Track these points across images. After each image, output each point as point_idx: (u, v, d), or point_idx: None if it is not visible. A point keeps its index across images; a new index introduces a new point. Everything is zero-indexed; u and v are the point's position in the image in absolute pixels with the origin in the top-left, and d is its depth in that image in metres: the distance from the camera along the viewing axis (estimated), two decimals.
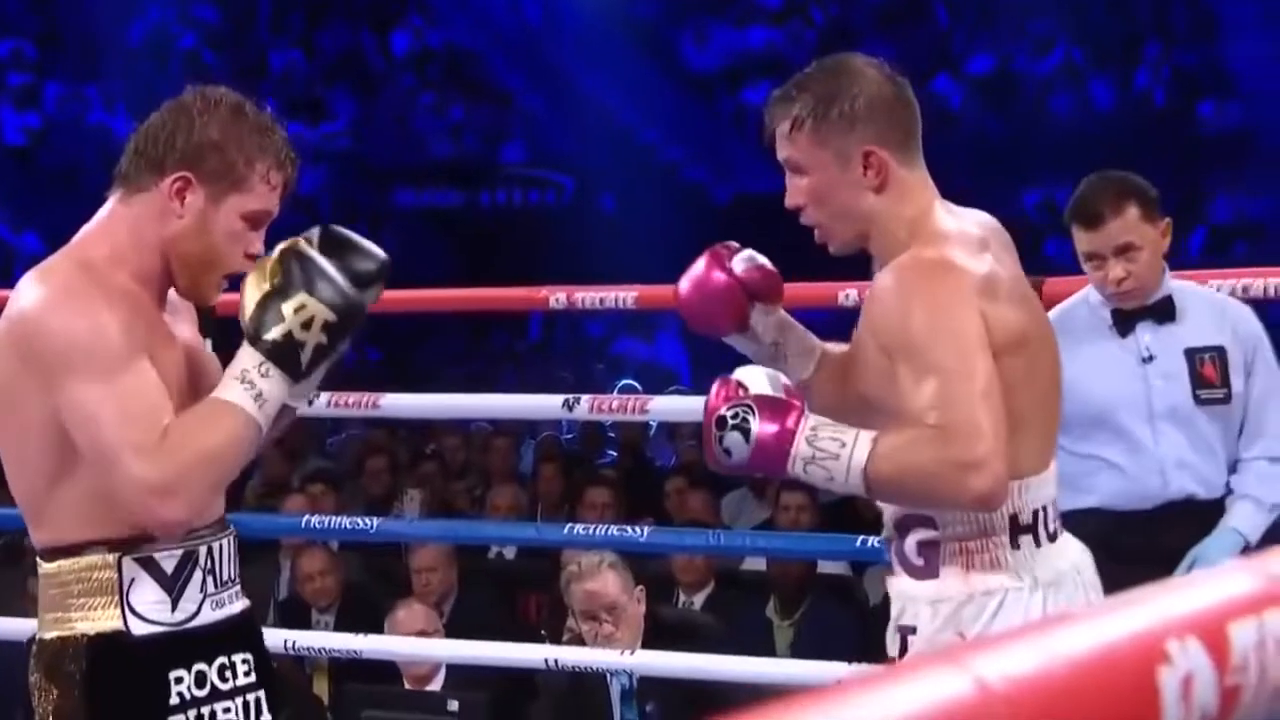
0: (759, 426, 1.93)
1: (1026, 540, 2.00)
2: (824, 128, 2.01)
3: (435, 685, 4.15)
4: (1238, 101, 14.14)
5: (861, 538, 3.44)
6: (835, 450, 1.91)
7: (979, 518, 1.98)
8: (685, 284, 2.23)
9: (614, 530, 3.48)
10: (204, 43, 15.01)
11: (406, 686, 4.16)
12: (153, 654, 1.93)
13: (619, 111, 15.10)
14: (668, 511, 5.81)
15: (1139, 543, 2.73)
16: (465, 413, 5.30)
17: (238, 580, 2.02)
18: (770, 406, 1.96)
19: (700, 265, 2.21)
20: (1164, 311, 2.88)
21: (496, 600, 5.24)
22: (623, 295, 3.33)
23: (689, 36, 15.70)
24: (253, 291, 1.90)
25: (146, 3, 14.84)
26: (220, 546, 1.99)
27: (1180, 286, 2.92)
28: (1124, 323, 2.88)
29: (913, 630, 2.03)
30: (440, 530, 4.77)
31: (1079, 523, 2.53)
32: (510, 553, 5.77)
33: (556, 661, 3.48)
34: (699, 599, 4.82)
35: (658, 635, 3.71)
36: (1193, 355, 2.85)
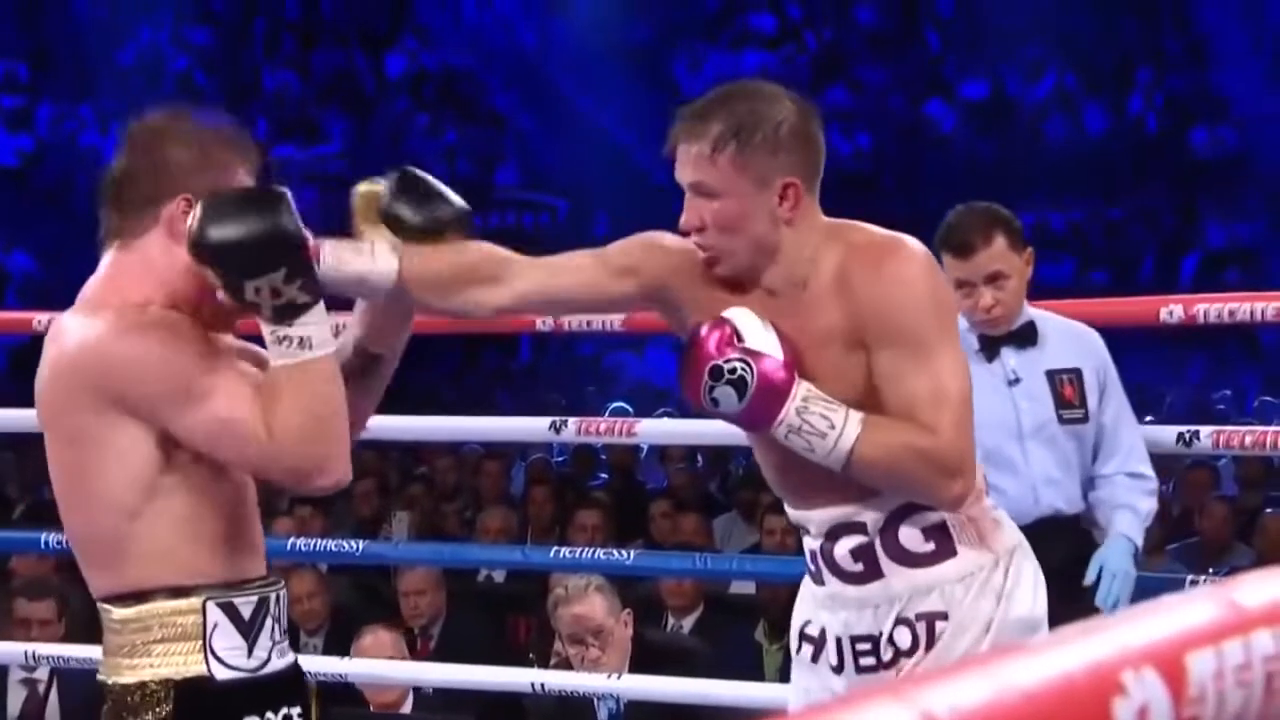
0: (755, 386, 1.90)
1: (989, 497, 2.09)
2: (747, 152, 1.97)
3: (405, 710, 4.14)
4: (1230, 127, 14.18)
5: None
6: (823, 429, 1.91)
7: (972, 486, 2.02)
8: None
9: (600, 553, 3.47)
10: (197, 64, 15.02)
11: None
12: (233, 700, 1.93)
13: (613, 134, 15.13)
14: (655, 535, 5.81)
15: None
16: (452, 435, 5.28)
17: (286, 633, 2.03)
18: (768, 367, 1.92)
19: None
20: (1026, 336, 2.98)
21: (486, 623, 5.22)
22: (610, 318, 3.33)
23: (683, 60, 15.74)
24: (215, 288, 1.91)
25: (139, 24, 14.86)
26: (280, 596, 2.00)
27: (1037, 313, 3.04)
28: (990, 348, 2.97)
29: (943, 615, 2.03)
30: (426, 553, 4.76)
31: None
32: (500, 575, 5.75)
33: (543, 685, 3.46)
34: (688, 622, 4.81)
35: (645, 659, 3.70)
36: (1053, 377, 2.96)
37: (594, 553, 3.45)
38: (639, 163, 15.14)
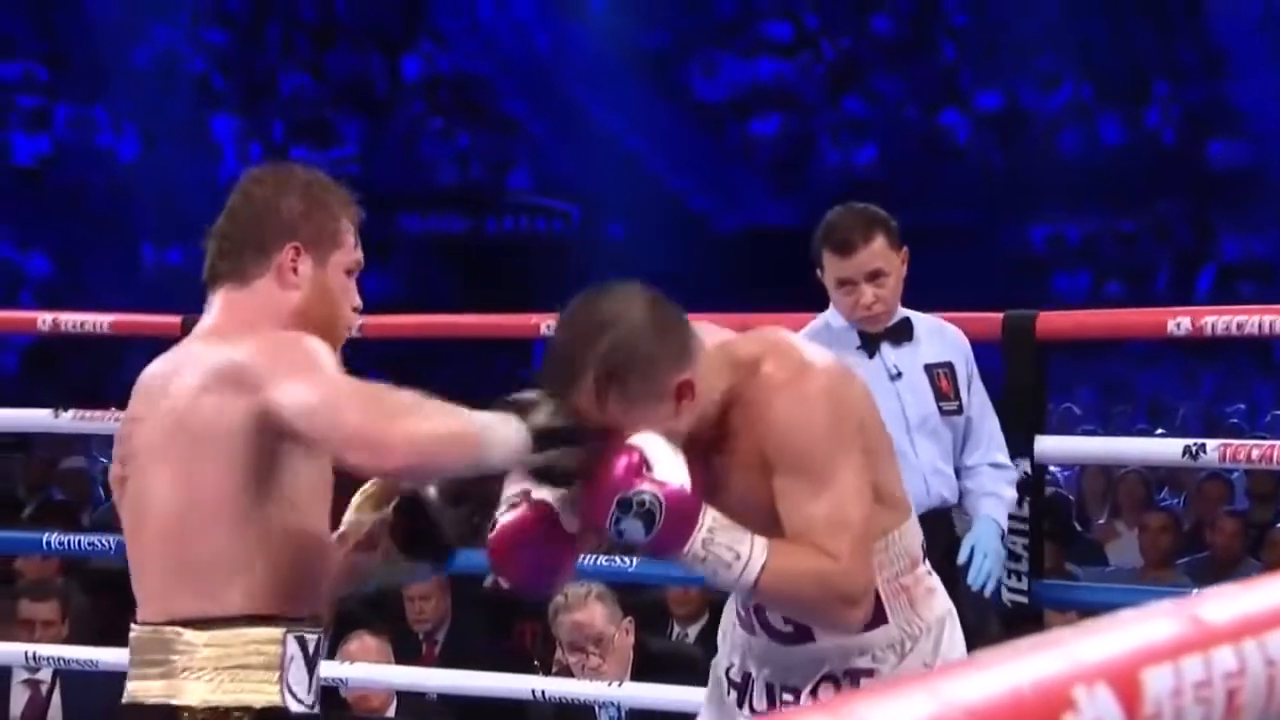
0: (662, 520, 1.89)
1: (926, 562, 2.12)
2: (630, 391, 1.92)
3: (389, 714, 4.14)
4: (1247, 140, 14.14)
5: None
6: (729, 559, 1.92)
7: (908, 552, 2.07)
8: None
9: (603, 560, 3.45)
10: (213, 65, 15.05)
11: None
12: None
13: (626, 140, 15.13)
14: None
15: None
16: None
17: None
18: (676, 500, 1.90)
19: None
20: (903, 332, 3.08)
21: (491, 629, 5.20)
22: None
23: (697, 67, 15.74)
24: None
25: (155, 25, 14.89)
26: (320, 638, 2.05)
27: (909, 312, 3.14)
28: (870, 344, 3.06)
29: (868, 673, 2.05)
30: None
31: None
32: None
33: (544, 693, 3.45)
34: (693, 631, 4.79)
35: (646, 667, 3.68)
36: (930, 371, 3.06)
37: (597, 559, 3.43)
38: (651, 169, 15.14)
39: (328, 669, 3.80)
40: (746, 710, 2.13)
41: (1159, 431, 7.92)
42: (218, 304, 2.01)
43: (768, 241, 13.92)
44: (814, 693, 2.09)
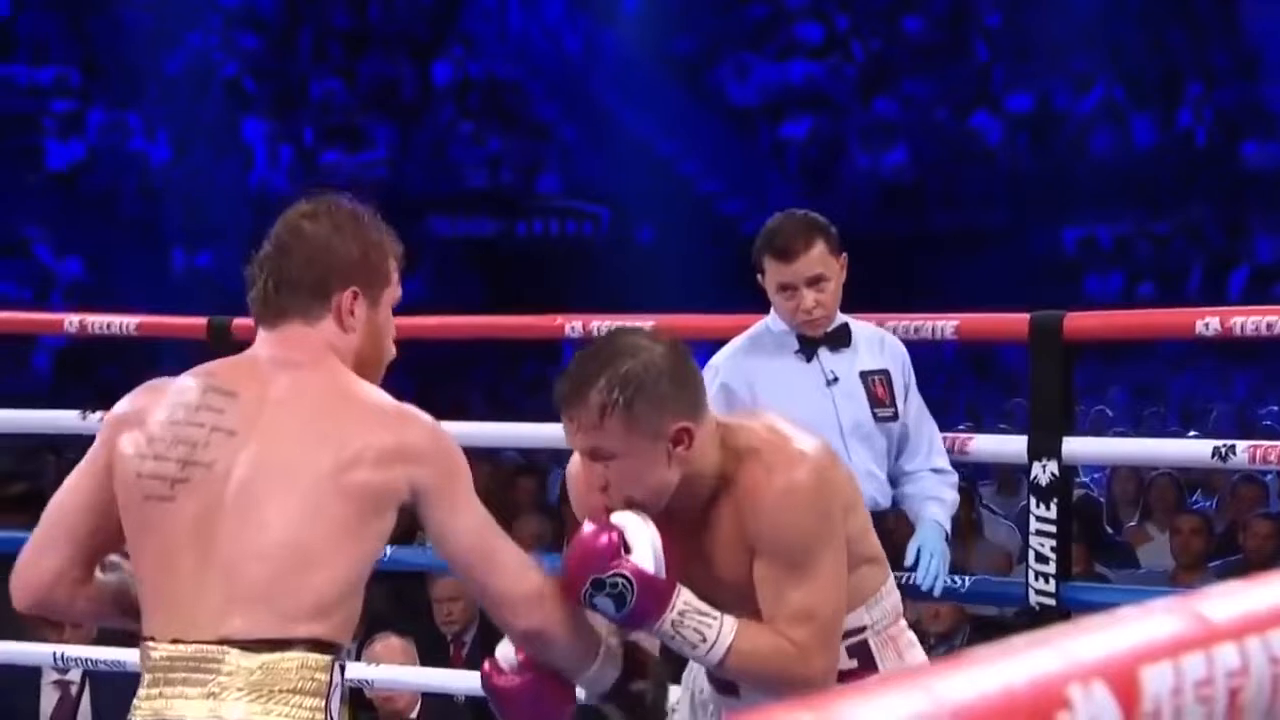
0: (633, 604, 2.00)
1: (904, 623, 2.25)
2: (634, 411, 2.01)
3: (411, 716, 4.14)
4: None
5: None
6: (695, 641, 2.03)
7: (894, 607, 2.20)
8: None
9: None
10: (245, 70, 15.11)
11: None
12: None
13: (656, 143, 15.12)
14: None
15: None
16: (488, 441, 5.28)
17: None
18: (648, 588, 2.00)
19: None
20: (841, 338, 3.13)
21: None
22: (639, 325, 3.31)
23: (729, 70, 15.72)
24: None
25: (188, 31, 14.95)
26: None
27: (847, 318, 3.18)
28: (808, 349, 3.12)
29: None
30: None
31: None
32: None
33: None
34: None
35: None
36: (866, 377, 3.12)
37: None
38: (681, 172, 15.13)
39: (352, 670, 3.81)
40: None
41: (1191, 433, 7.87)
42: (291, 337, 2.00)
43: None
44: None
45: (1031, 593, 3.12)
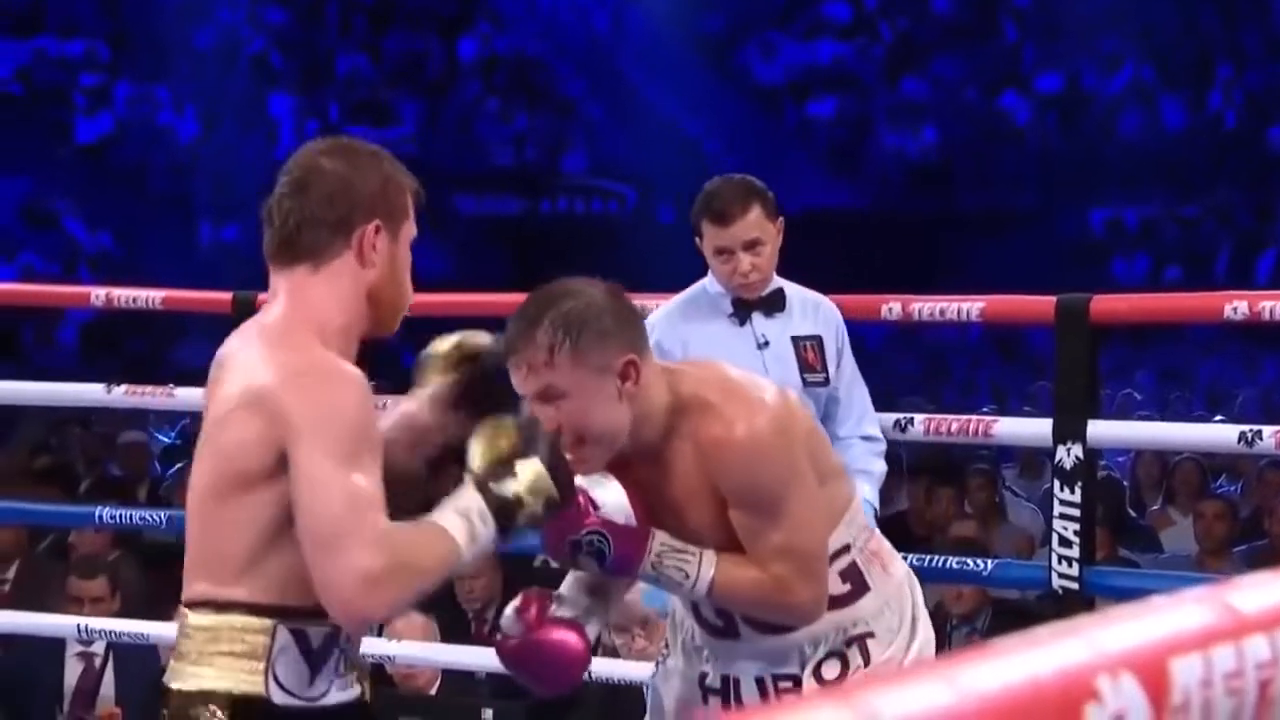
0: (612, 555, 2.09)
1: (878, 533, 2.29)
2: (581, 346, 2.05)
3: (431, 692, 4.16)
4: None
5: (901, 555, 3.39)
6: (679, 579, 2.11)
7: (863, 518, 2.25)
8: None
9: None
10: (272, 45, 15.12)
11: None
12: None
13: (682, 123, 15.08)
14: None
15: None
16: None
17: (358, 667, 2.04)
18: (622, 537, 2.10)
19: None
20: (775, 303, 3.18)
21: None
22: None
23: (755, 50, 15.66)
24: (490, 443, 1.98)
25: (215, 5, 14.97)
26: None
27: (784, 283, 3.22)
28: (741, 312, 3.16)
29: (870, 634, 2.20)
30: None
31: None
32: (555, 561, 5.74)
33: (591, 674, 3.44)
34: None
35: None
36: (798, 342, 3.17)
37: None
38: (708, 152, 15.08)
39: (373, 646, 3.82)
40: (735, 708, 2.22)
41: (1217, 418, 7.83)
42: (287, 287, 1.97)
43: (825, 225, 13.85)
44: (817, 671, 2.19)
45: (1054, 576, 3.11)
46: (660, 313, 3.17)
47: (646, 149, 14.34)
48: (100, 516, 3.85)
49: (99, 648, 4.33)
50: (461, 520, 1.91)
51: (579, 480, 2.08)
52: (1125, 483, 6.48)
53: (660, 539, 2.11)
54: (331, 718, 1.97)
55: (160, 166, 14.22)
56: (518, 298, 4.65)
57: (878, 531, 2.30)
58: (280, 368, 1.90)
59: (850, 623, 2.19)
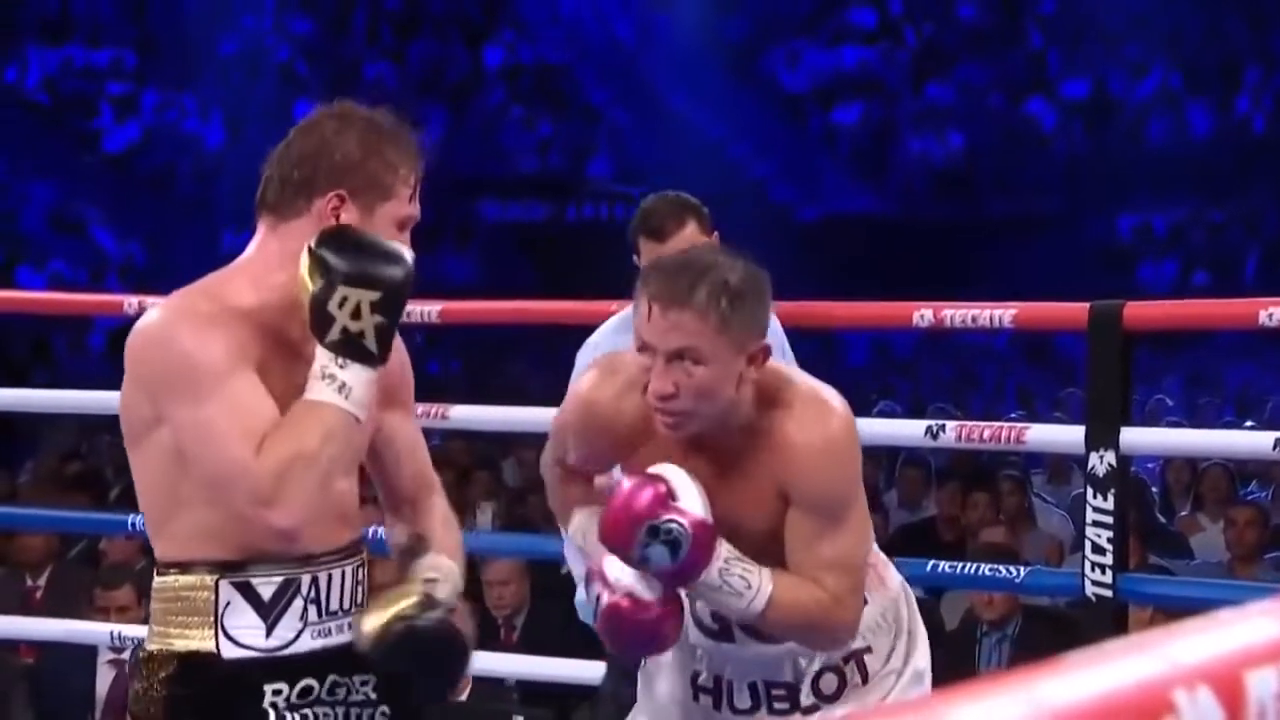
0: (689, 547, 1.96)
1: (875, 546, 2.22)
2: (735, 318, 1.98)
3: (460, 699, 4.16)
4: None
5: (933, 562, 3.38)
6: (740, 589, 2.02)
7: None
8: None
9: None
10: (297, 53, 15.18)
11: None
12: (243, 676, 1.93)
13: (707, 128, 15.09)
14: None
15: None
16: (538, 426, 5.28)
17: (355, 610, 1.97)
18: (701, 533, 1.98)
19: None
20: None
21: (569, 615, 5.20)
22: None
23: (781, 56, 15.66)
24: (302, 294, 1.90)
25: (242, 13, 15.03)
26: (331, 576, 1.96)
27: None
28: None
29: (867, 650, 2.16)
30: (507, 544, 4.76)
31: None
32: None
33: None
34: None
35: None
36: None
37: None
38: (732, 157, 15.09)
39: None
40: (727, 711, 2.18)
41: (1248, 424, 7.79)
42: (255, 239, 1.98)
43: (850, 230, 13.84)
44: (815, 685, 2.16)
45: (1088, 583, 3.10)
46: (601, 332, 3.21)
47: (671, 155, 14.34)
48: (132, 524, 3.85)
49: (130, 654, 4.35)
50: (322, 380, 1.87)
51: (659, 469, 1.99)
52: (1154, 488, 6.45)
53: (726, 547, 2.01)
54: (298, 666, 1.94)
55: (186, 173, 14.28)
56: (538, 305, 4.65)
57: (875, 546, 2.23)
58: (140, 330, 1.92)
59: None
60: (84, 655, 4.36)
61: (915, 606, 2.26)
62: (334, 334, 1.86)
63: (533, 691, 4.27)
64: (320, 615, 1.95)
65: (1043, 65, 15.11)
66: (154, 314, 1.93)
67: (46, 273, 12.98)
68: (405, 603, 1.95)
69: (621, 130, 15.35)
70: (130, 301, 3.67)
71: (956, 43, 15.39)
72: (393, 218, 1.93)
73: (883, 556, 2.23)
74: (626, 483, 1.99)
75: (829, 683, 2.15)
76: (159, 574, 1.96)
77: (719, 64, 15.41)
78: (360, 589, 1.99)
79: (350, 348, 1.87)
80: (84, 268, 13.43)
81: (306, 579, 1.93)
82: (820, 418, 2.04)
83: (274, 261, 1.93)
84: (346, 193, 1.91)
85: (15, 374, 9.31)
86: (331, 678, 1.96)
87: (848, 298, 3.89)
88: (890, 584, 2.20)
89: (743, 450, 2.05)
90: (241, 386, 1.86)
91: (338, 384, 1.86)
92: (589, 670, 3.68)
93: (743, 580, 2.00)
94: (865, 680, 2.16)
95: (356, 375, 1.87)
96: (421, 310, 3.57)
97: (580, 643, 4.86)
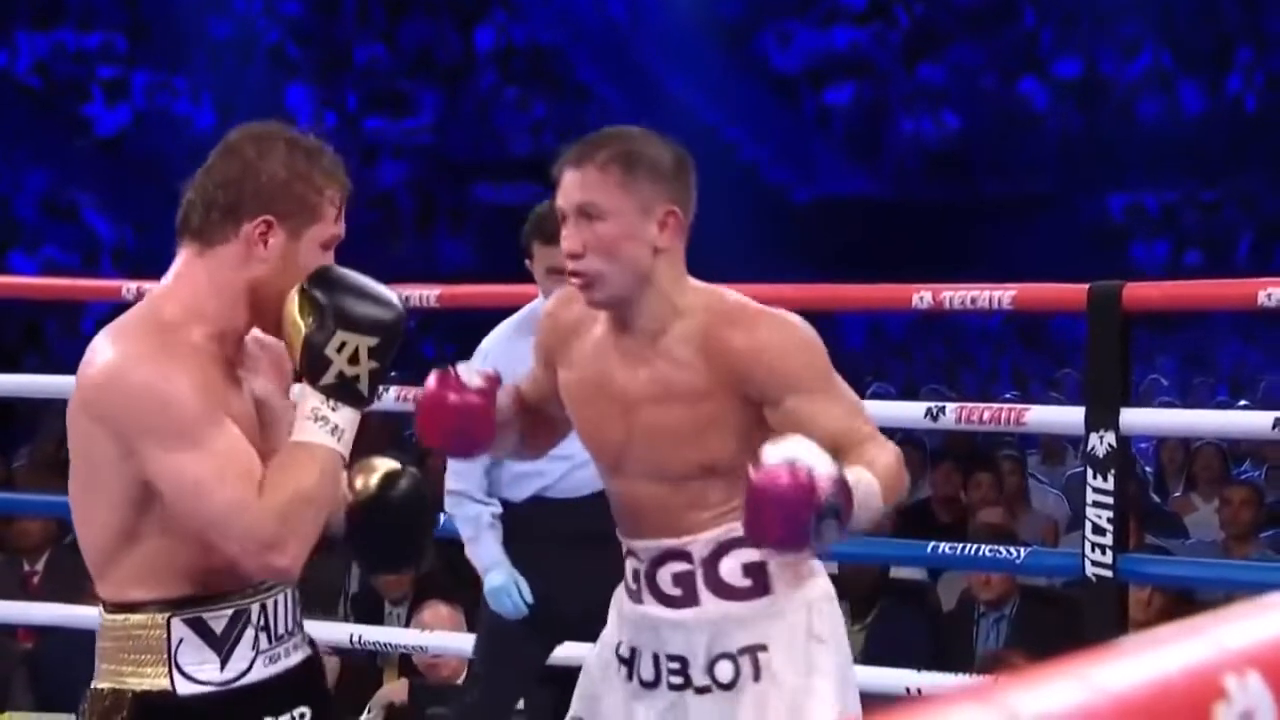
0: (845, 513, 1.93)
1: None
2: (634, 176, 2.07)
3: (457, 682, 4.17)
4: None
5: (934, 544, 3.39)
6: (873, 504, 1.98)
7: None
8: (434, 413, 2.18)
9: None
10: (288, 36, 15.13)
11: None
12: (201, 713, 1.94)
13: (701, 110, 15.07)
14: None
15: (576, 525, 3.15)
16: None
17: (298, 630, 2.01)
18: (844, 489, 1.93)
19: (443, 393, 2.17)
20: None
21: None
22: None
23: (772, 37, 15.64)
24: (294, 335, 1.91)
25: None
26: (276, 602, 1.98)
27: None
28: None
29: (762, 648, 2.11)
30: None
31: (526, 510, 3.24)
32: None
33: None
34: None
35: None
36: None
37: None
38: (726, 139, 15.08)
39: (403, 637, 3.83)
40: (635, 683, 2.18)
41: (1241, 403, 7.81)
42: (175, 266, 1.95)
43: (844, 212, 13.84)
44: (711, 671, 2.13)
45: (1088, 564, 3.11)
46: (494, 336, 3.24)
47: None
48: None
49: None
50: (314, 423, 1.88)
51: (781, 451, 1.94)
52: (1148, 469, 6.47)
53: (843, 471, 1.94)
54: (252, 697, 1.95)
55: (178, 157, 14.25)
56: (534, 288, 4.64)
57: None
58: (105, 370, 1.87)
59: (738, 620, 2.12)
60: (83, 640, 4.35)
61: (839, 619, 2.20)
62: (329, 378, 1.88)
63: (531, 675, 4.27)
64: (270, 641, 1.97)
65: (1035, 45, 15.11)
66: (108, 351, 1.88)
67: (39, 257, 12.96)
68: (387, 467, 2.05)
69: (614, 111, 15.32)
70: (129, 287, 3.66)
71: (949, 23, 15.38)
72: (319, 239, 1.93)
73: (813, 564, 2.17)
74: (768, 481, 1.91)
75: (724, 670, 2.12)
76: (107, 613, 1.95)
77: (711, 45, 15.39)
78: (297, 608, 2.02)
79: (344, 391, 1.89)
80: (77, 252, 13.40)
81: (256, 608, 1.96)
82: (768, 317, 2.08)
83: (204, 290, 1.91)
84: (274, 218, 1.90)
85: (7, 358, 9.30)
86: (286, 717, 1.98)
87: (842, 279, 3.89)
88: (807, 588, 2.15)
89: (675, 350, 2.08)
90: (223, 428, 1.86)
91: (330, 426, 1.88)
92: (582, 652, 3.68)
93: (869, 493, 1.96)
94: (756, 678, 2.11)
95: (346, 418, 1.90)
96: (420, 295, 3.56)
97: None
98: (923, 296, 3.30)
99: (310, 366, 1.88)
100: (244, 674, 1.94)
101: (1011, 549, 3.40)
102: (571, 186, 2.07)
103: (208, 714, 1.94)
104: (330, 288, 1.89)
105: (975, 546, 3.40)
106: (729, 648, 2.12)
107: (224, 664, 1.93)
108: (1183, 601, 4.14)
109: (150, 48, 14.76)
